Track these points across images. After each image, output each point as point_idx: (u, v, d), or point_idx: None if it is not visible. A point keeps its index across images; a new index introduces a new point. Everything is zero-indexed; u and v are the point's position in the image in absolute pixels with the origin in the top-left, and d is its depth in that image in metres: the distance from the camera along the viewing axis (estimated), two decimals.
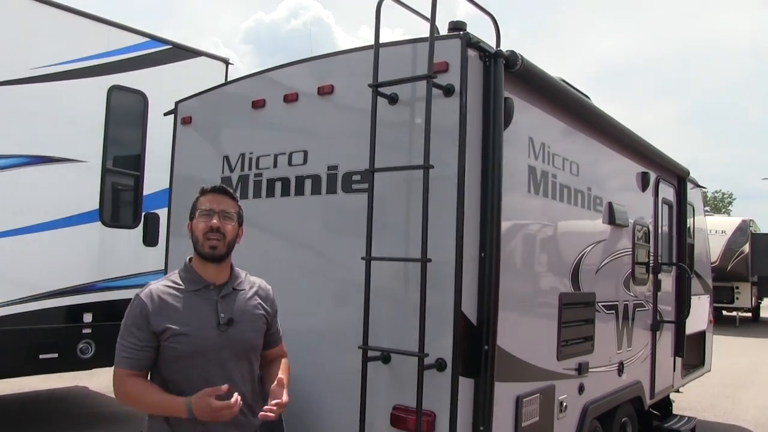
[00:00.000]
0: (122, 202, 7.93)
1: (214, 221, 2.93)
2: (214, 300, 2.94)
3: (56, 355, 7.06)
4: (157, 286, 2.93)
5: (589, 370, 5.34)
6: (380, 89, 4.12)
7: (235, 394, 2.75)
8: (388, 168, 4.07)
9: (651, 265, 6.72)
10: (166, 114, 5.89)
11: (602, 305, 5.61)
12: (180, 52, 8.27)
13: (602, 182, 5.68)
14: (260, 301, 3.12)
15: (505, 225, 4.14)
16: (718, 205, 59.37)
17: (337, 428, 4.25)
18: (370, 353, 4.04)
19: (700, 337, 8.66)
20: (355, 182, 4.38)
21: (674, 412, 7.95)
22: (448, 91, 3.95)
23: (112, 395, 9.15)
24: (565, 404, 4.94)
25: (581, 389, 5.24)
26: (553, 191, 4.83)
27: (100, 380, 9.87)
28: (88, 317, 7.31)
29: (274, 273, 3.74)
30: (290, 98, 4.79)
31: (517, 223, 4.47)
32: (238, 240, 3.14)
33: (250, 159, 5.02)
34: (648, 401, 6.67)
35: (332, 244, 4.49)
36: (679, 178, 7.60)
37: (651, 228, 6.76)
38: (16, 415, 8.74)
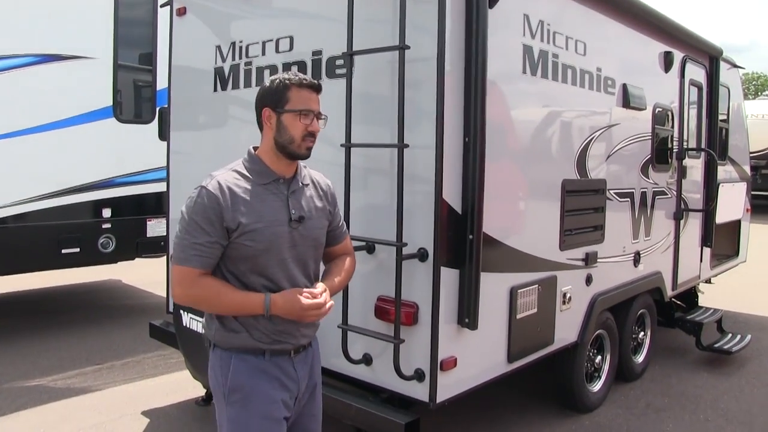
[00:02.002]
0: (136, 97, 7.84)
1: (317, 126, 2.71)
2: (284, 195, 2.70)
3: (78, 250, 7.20)
4: (224, 177, 2.63)
5: (598, 260, 5.15)
6: None
7: (325, 295, 2.66)
8: (365, 51, 3.86)
9: (675, 150, 6.39)
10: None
11: (614, 193, 5.36)
12: None
13: (615, 62, 5.32)
14: (323, 195, 2.90)
15: (494, 108, 3.91)
16: None
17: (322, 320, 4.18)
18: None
19: (735, 226, 8.33)
20: (338, 67, 4.19)
21: (704, 304, 7.70)
22: None
23: (145, 288, 9.45)
24: (569, 296, 4.79)
25: (589, 280, 5.07)
26: (554, 72, 4.53)
27: (132, 273, 10.18)
28: (107, 212, 7.39)
29: None
30: None
31: (510, 105, 4.21)
32: None
33: (240, 47, 4.86)
34: (669, 293, 6.46)
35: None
36: (711, 57, 7.11)
37: (675, 111, 6.38)
38: (55, 305, 9.10)
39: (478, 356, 4.05)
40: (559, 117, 4.67)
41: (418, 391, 3.80)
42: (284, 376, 2.70)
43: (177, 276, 2.58)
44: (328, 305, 2.65)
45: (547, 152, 4.60)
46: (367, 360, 4.02)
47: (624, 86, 5.40)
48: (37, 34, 6.83)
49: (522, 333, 4.31)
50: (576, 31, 4.74)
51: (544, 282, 4.52)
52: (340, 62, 4.15)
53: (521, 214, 4.40)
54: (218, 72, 5.02)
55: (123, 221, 7.48)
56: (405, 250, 3.71)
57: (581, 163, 4.91)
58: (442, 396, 3.79)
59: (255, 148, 2.77)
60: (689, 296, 7.55)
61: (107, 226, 7.37)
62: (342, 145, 3.91)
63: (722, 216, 7.43)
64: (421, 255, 3.73)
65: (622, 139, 5.47)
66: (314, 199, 2.82)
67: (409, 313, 3.77)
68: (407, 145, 3.64)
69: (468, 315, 3.79)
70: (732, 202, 7.88)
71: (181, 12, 5.38)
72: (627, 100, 5.42)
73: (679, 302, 7.44)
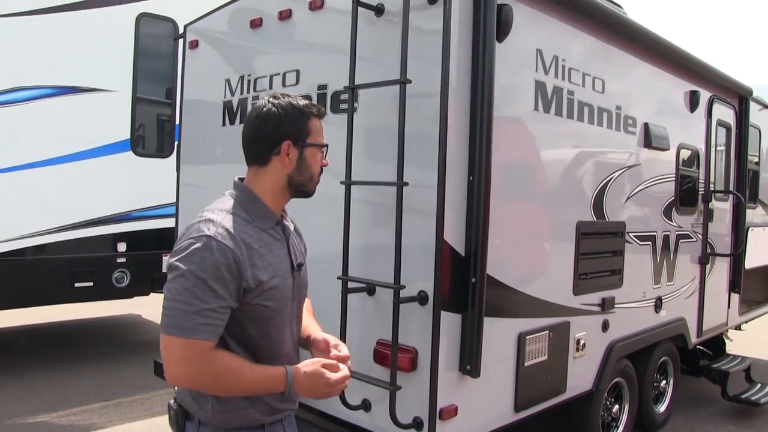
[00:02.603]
0: (154, 131, 7.82)
1: (326, 160, 2.42)
2: (284, 240, 2.35)
3: (91, 284, 7.13)
4: (230, 224, 2.16)
5: (616, 305, 4.93)
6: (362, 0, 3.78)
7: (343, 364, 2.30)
8: (366, 84, 3.75)
9: (701, 193, 6.16)
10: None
11: (634, 236, 5.15)
12: None
13: (637, 101, 5.14)
14: (299, 233, 2.58)
15: (503, 146, 3.79)
16: None
17: None
18: (350, 284, 3.79)
19: (766, 271, 8.01)
20: (343, 102, 4.07)
21: (733, 351, 7.39)
22: None
23: None
24: (583, 342, 4.58)
25: (605, 326, 4.85)
26: (569, 110, 4.37)
27: (152, 308, 10.06)
28: (122, 246, 7.34)
29: None
30: (284, 15, 4.49)
31: (520, 144, 4.06)
32: None
33: (249, 81, 4.80)
34: (694, 340, 6.19)
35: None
36: (740, 98, 6.89)
37: (702, 152, 6.17)
38: (72, 339, 9.10)
39: (482, 405, 3.86)
40: (573, 156, 4.50)
41: None
42: None
43: (181, 352, 2.05)
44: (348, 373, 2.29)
45: (560, 193, 4.42)
46: (366, 406, 3.85)
47: (646, 125, 5.22)
48: (55, 66, 6.88)
49: (530, 381, 4.11)
50: (594, 68, 4.59)
51: (555, 328, 4.32)
52: (344, 97, 4.04)
53: (531, 257, 4.22)
54: (227, 106, 4.97)
55: (138, 256, 7.41)
56: (405, 293, 3.55)
57: (598, 204, 4.73)
58: None
59: (241, 179, 2.35)
60: (716, 343, 7.24)
61: (122, 260, 7.31)
62: (342, 183, 3.79)
63: (753, 261, 7.16)
64: (421, 298, 3.57)
65: (643, 180, 5.27)
66: (298, 239, 2.52)
67: (408, 359, 3.60)
68: (407, 183, 3.50)
69: (470, 362, 3.61)
70: (763, 247, 7.59)
71: (194, 45, 5.37)
72: (649, 140, 5.23)
73: (705, 349, 7.14)
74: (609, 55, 4.84)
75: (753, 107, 7.27)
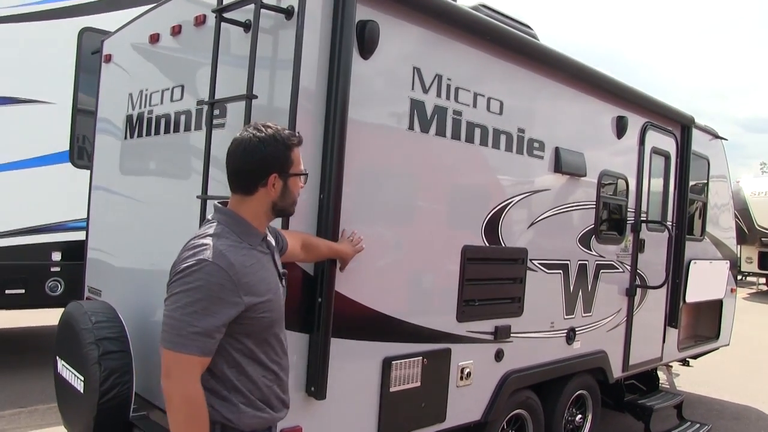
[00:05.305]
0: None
1: (303, 184, 2.65)
2: (270, 253, 2.56)
3: (23, 291, 7.13)
4: (225, 246, 2.33)
5: (513, 334, 4.79)
6: (227, 14, 3.77)
7: None
8: (221, 99, 3.74)
9: (629, 222, 6.00)
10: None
11: (540, 263, 5.01)
12: None
13: (546, 124, 5.00)
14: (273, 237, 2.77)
15: (366, 165, 3.75)
16: None
17: None
18: None
19: (718, 306, 7.77)
20: (216, 117, 4.02)
21: (683, 387, 7.18)
22: (289, 13, 3.52)
23: None
24: (468, 371, 4.45)
25: (499, 356, 4.70)
26: (455, 131, 4.26)
27: None
28: (57, 256, 7.32)
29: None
30: (176, 31, 4.49)
31: (390, 164, 3.94)
32: None
33: (146, 96, 4.80)
34: (618, 374, 5.99)
35: (195, 183, 4.16)
36: (683, 126, 6.71)
37: (632, 181, 6.01)
38: (8, 347, 9.14)
39: (334, 428, 3.73)
40: (459, 179, 4.37)
41: None
42: None
43: (168, 365, 2.23)
44: None
45: (440, 216, 4.28)
46: None
47: (556, 150, 5.08)
48: None
49: (397, 407, 3.99)
50: (489, 88, 4.48)
51: (432, 354, 4.19)
52: (217, 112, 3.98)
53: (401, 280, 4.08)
54: (128, 119, 4.96)
55: (73, 266, 7.28)
56: None
57: (492, 229, 4.59)
58: None
59: (224, 203, 2.52)
60: (650, 378, 7.02)
61: (56, 269, 7.29)
62: (198, 197, 3.75)
63: (695, 295, 6.93)
64: None
65: (552, 206, 5.12)
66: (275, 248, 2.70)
67: None
68: None
69: (314, 383, 3.52)
70: (709, 281, 7.35)
71: (107, 59, 5.41)
72: (559, 165, 5.08)
73: (639, 384, 6.94)
74: (510, 76, 4.72)
75: (702, 137, 7.12)
